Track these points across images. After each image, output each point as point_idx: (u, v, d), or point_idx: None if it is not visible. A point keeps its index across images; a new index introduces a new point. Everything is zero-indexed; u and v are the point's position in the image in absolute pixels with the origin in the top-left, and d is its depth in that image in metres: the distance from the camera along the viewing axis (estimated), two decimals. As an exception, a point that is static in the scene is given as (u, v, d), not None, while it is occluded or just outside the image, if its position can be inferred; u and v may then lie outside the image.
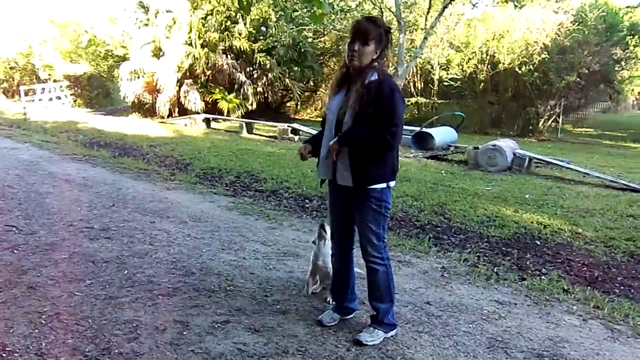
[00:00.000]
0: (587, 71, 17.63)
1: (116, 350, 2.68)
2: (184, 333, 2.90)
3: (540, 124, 18.56)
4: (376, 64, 2.72)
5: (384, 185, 2.78)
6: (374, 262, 2.87)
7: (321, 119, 3.10)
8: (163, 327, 2.95)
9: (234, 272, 3.91)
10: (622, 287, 4.19)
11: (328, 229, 3.38)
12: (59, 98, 22.49)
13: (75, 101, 24.08)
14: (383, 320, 2.92)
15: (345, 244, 3.08)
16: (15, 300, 3.22)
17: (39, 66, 24.80)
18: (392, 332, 2.97)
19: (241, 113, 17.83)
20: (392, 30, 2.87)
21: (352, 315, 3.20)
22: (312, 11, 4.49)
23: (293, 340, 2.88)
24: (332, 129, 2.82)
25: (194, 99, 17.34)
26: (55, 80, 23.63)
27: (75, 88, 24.50)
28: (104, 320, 3.00)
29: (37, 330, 2.84)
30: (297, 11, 18.70)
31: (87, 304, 3.21)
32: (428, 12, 17.79)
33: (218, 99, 17.72)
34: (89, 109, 23.31)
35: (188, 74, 17.74)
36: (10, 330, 2.83)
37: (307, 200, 6.63)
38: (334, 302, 3.23)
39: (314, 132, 12.58)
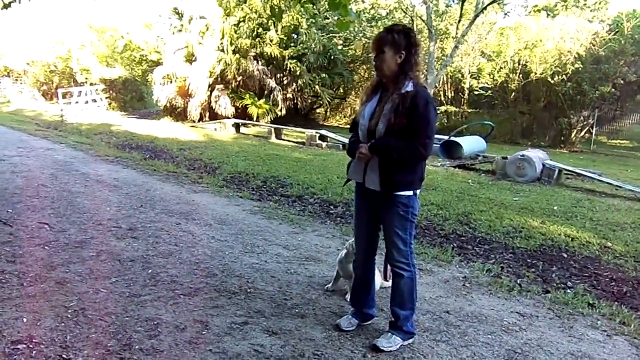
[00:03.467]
0: (622, 82, 17.21)
1: (137, 346, 2.75)
2: (203, 332, 2.95)
3: (573, 134, 18.16)
4: (410, 72, 2.72)
5: (410, 192, 2.80)
6: (400, 267, 2.88)
7: (351, 124, 3.11)
8: (183, 325, 3.02)
9: (255, 274, 3.96)
10: (651, 304, 4.06)
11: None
12: (94, 101, 23.16)
13: (110, 104, 24.78)
14: (402, 327, 2.92)
15: (369, 249, 3.09)
16: (44, 294, 3.34)
17: (76, 70, 25.64)
18: (410, 340, 2.96)
19: (270, 118, 18.03)
20: (414, 32, 2.87)
21: (370, 322, 3.20)
22: (340, 18, 4.51)
23: (310, 344, 2.90)
24: (364, 135, 2.85)
25: (224, 104, 17.63)
26: (91, 84, 24.36)
27: (110, 91, 25.21)
28: (127, 316, 3.08)
29: (62, 324, 2.94)
30: (328, 19, 18.82)
31: (112, 300, 3.31)
32: (459, 21, 17.68)
33: (248, 105, 17.96)
34: (122, 112, 23.95)
35: (219, 79, 18.05)
36: (38, 323, 2.94)
37: (332, 207, 6.66)
38: (352, 307, 3.23)
39: (342, 139, 12.54)
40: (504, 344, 3.07)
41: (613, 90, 17.34)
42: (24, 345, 2.68)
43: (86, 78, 25.01)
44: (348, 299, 3.48)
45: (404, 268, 2.87)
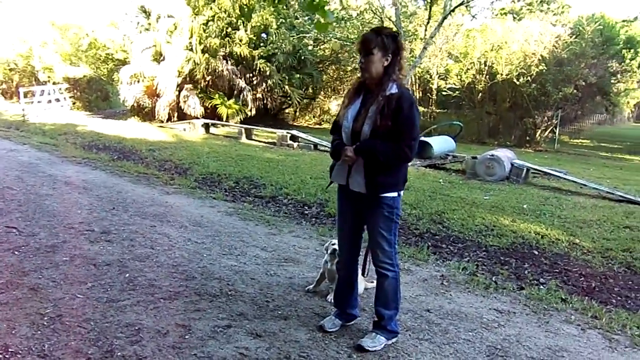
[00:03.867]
0: (584, 83, 17.83)
1: (119, 353, 2.69)
2: (186, 337, 2.91)
3: (537, 134, 18.69)
4: (394, 75, 2.74)
5: (395, 194, 2.83)
6: (385, 267, 2.91)
7: (332, 126, 3.10)
8: (165, 330, 2.97)
9: (235, 277, 3.93)
10: (619, 298, 4.21)
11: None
12: (57, 100, 22.47)
13: (74, 104, 24.09)
14: (386, 326, 2.95)
15: (352, 250, 3.11)
16: (17, 301, 3.23)
17: (38, 68, 24.83)
18: (394, 339, 3.00)
19: (240, 119, 17.87)
20: (401, 36, 2.89)
21: (353, 322, 3.22)
22: (315, 20, 4.51)
23: (295, 345, 2.90)
24: (348, 137, 2.85)
25: (193, 104, 17.37)
26: (54, 83, 23.63)
27: (75, 91, 24.52)
28: (107, 322, 3.01)
29: (39, 332, 2.85)
30: (298, 19, 18.80)
31: (89, 306, 3.22)
32: (428, 23, 17.94)
33: (217, 105, 17.75)
34: (87, 111, 23.33)
35: (188, 79, 17.79)
36: (13, 332, 2.84)
37: (306, 207, 6.65)
38: (336, 308, 3.24)
39: (313, 139, 12.50)
40: (484, 341, 3.14)
41: (575, 91, 17.93)
42: (0, 355, 2.59)
43: (49, 77, 24.25)
44: (330, 300, 3.50)
45: (388, 268, 2.90)
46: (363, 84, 2.87)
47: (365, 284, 3.70)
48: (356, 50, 2.85)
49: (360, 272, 3.23)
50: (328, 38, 19.88)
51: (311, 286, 3.75)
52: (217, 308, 3.32)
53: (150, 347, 2.76)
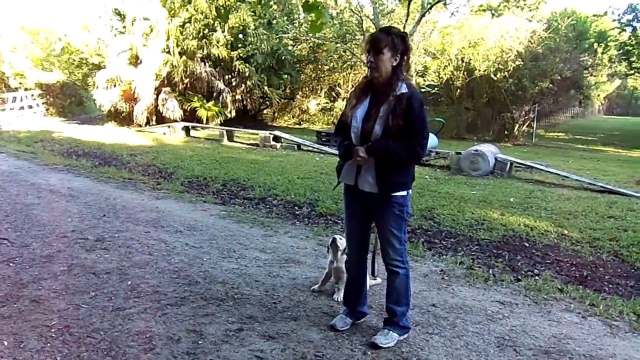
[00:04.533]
0: (559, 77, 18.21)
1: (133, 362, 2.66)
2: (199, 342, 2.89)
3: (515, 129, 19.03)
4: (402, 75, 2.77)
5: (405, 192, 2.86)
6: (396, 265, 2.93)
7: (336, 127, 3.10)
8: (177, 337, 2.94)
9: (239, 280, 3.91)
10: (610, 285, 4.34)
11: (340, 242, 3.46)
12: (30, 107, 21.98)
13: (47, 110, 23.53)
14: (398, 322, 2.98)
15: (361, 249, 3.13)
16: (20, 314, 3.16)
17: (9, 74, 24.16)
18: (406, 335, 3.03)
19: (220, 121, 17.76)
20: (408, 37, 2.91)
21: (363, 319, 3.24)
22: (309, 20, 4.50)
23: (309, 345, 2.91)
24: (358, 137, 2.84)
25: (172, 107, 17.20)
26: (26, 89, 23.06)
27: (48, 97, 23.95)
28: (116, 331, 2.97)
29: (49, 345, 2.79)
30: (276, 18, 18.75)
31: (96, 315, 3.17)
32: (406, 20, 18.07)
33: (197, 107, 17.61)
34: (62, 117, 22.83)
35: (166, 82, 17.59)
36: (21, 345, 2.78)
37: (296, 207, 6.65)
38: (345, 307, 3.26)
39: (297, 139, 12.48)
40: (492, 332, 3.20)
41: (551, 85, 18.30)
42: (12, 370, 2.54)
43: (20, 83, 23.61)
44: (336, 299, 3.52)
45: (399, 266, 2.93)
46: (370, 84, 2.87)
47: (369, 281, 3.73)
48: (364, 49, 2.86)
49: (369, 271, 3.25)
50: (306, 38, 19.87)
51: (316, 286, 3.76)
52: (226, 312, 3.31)
53: (165, 355, 2.74)
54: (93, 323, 3.07)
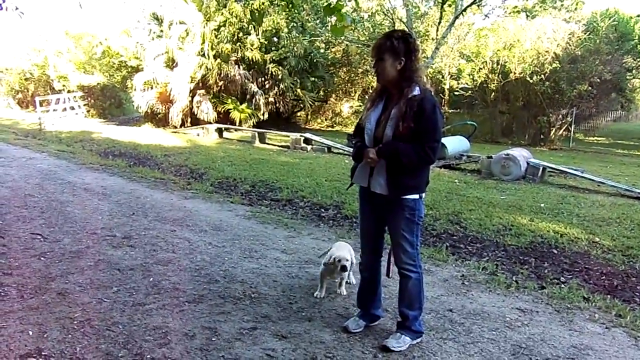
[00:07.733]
0: (598, 80, 17.59)
1: (148, 356, 2.73)
2: (213, 339, 2.95)
3: (552, 132, 18.50)
4: (412, 77, 2.75)
5: (417, 196, 2.84)
6: (408, 269, 2.92)
7: (354, 129, 3.14)
8: (192, 333, 3.01)
9: (257, 279, 3.97)
10: (642, 296, 4.18)
11: (346, 262, 3.48)
12: (72, 108, 22.82)
13: (88, 111, 24.43)
14: (411, 327, 2.96)
15: (375, 252, 3.13)
16: (46, 306, 3.30)
17: (53, 77, 25.20)
18: (418, 339, 3.01)
19: (253, 123, 17.97)
20: (413, 38, 2.87)
21: (377, 322, 3.24)
22: (332, 23, 4.55)
23: (320, 346, 2.93)
24: (371, 139, 2.87)
25: (206, 109, 17.52)
26: (69, 91, 23.98)
27: (89, 98, 24.85)
28: (134, 326, 3.07)
29: (70, 336, 2.91)
30: (310, 22, 18.86)
31: (116, 310, 3.28)
32: (439, 23, 17.87)
33: (230, 109, 17.87)
34: (102, 119, 23.63)
35: (201, 84, 17.94)
36: (45, 335, 2.90)
37: (322, 209, 6.68)
38: (359, 309, 3.26)
39: (327, 142, 12.52)
40: (508, 340, 3.14)
41: (590, 88, 17.71)
42: (34, 359, 2.65)
43: (64, 85, 24.59)
44: (316, 296, 3.63)
45: (411, 270, 2.91)
46: (385, 88, 2.89)
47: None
48: (370, 55, 2.88)
49: (385, 273, 3.23)
50: (339, 40, 19.89)
51: (317, 292, 3.73)
52: (242, 310, 3.36)
53: (179, 350, 2.81)
54: (113, 317, 3.17)
